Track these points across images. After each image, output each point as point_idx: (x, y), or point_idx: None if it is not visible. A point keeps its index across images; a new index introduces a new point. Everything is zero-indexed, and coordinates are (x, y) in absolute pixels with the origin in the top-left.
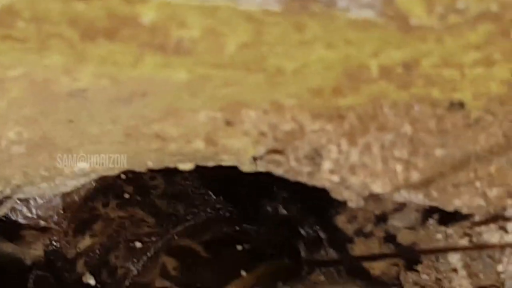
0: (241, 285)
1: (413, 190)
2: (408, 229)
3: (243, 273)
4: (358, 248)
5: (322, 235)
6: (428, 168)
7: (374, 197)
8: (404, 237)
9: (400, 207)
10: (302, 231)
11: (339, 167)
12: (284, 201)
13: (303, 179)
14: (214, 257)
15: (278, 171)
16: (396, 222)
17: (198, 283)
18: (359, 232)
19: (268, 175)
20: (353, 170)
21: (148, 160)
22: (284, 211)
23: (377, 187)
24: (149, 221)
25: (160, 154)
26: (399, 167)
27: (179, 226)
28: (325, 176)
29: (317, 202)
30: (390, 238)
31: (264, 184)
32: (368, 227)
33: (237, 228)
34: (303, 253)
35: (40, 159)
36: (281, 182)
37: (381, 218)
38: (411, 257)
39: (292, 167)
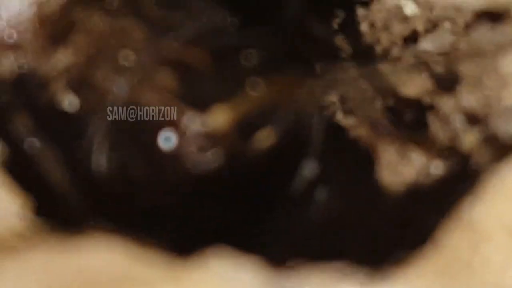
0: (250, 99)
1: None
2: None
3: (249, 88)
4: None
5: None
6: None
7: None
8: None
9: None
10: (315, 37)
11: None
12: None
13: None
14: (216, 68)
15: None
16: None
17: (197, 97)
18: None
19: None
20: None
21: None
22: (293, 13)
23: None
24: (140, 31)
25: None
26: None
27: (175, 35)
28: None
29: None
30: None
31: None
32: (395, 51)
33: (241, 36)
34: (317, 68)
35: None
36: None
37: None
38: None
39: None
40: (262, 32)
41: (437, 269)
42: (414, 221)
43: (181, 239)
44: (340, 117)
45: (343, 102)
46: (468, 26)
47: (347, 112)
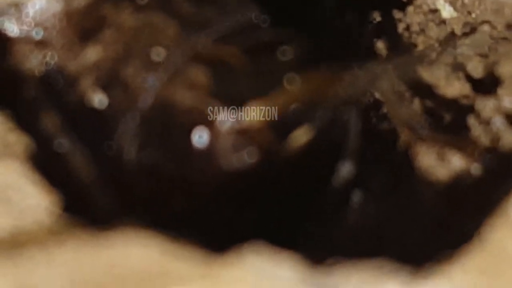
0: (286, 95)
1: None
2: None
3: (286, 83)
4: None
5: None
6: None
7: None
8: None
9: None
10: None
11: None
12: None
13: None
14: (252, 65)
15: None
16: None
17: (231, 94)
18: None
19: None
20: None
21: None
22: (332, 16)
23: None
24: (172, 28)
25: None
26: None
27: (208, 32)
28: None
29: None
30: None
31: None
32: (432, 54)
33: (277, 33)
34: (355, 66)
35: None
36: None
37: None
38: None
39: None
40: (296, 29)
41: (481, 266)
42: (456, 221)
43: (215, 237)
44: (376, 121)
45: (380, 105)
46: (508, 28)
47: (384, 115)
